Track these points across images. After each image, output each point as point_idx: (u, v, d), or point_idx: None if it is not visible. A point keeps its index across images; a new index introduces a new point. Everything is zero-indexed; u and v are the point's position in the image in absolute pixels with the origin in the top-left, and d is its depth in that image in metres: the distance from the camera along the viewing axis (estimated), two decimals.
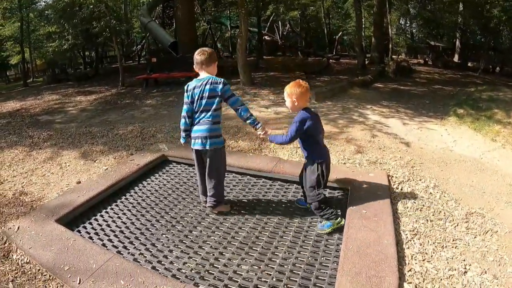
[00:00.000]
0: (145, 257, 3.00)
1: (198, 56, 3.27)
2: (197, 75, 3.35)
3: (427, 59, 24.56)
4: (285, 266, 2.68)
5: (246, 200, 3.80)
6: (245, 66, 11.50)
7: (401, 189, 3.85)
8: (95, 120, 7.79)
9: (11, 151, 5.86)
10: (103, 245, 3.21)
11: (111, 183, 4.19)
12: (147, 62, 13.63)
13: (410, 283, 2.39)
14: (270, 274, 2.61)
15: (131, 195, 4.15)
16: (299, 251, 2.85)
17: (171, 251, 3.05)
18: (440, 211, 3.37)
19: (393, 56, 20.80)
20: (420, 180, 4.09)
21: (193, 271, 2.72)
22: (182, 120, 3.34)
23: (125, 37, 22.83)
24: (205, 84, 3.19)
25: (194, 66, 3.33)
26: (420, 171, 4.37)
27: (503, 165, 4.77)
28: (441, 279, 2.43)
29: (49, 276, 2.88)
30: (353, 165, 4.55)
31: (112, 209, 3.86)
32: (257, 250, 2.91)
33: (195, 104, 3.24)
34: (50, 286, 2.80)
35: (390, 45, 21.28)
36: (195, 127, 3.27)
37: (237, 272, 2.68)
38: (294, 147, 5.20)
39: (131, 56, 25.25)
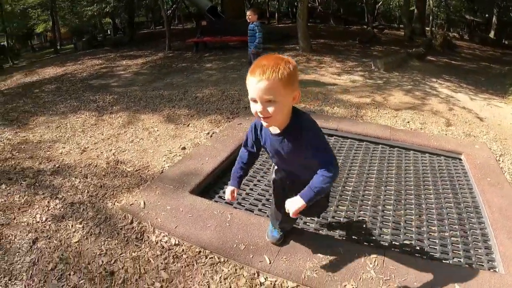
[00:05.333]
0: (321, 225, 2.85)
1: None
2: None
3: (461, 33, 23.94)
4: (442, 227, 2.89)
5: (373, 166, 3.86)
6: (306, 32, 11.13)
7: (503, 161, 4.09)
8: (158, 84, 7.28)
9: (77, 116, 5.37)
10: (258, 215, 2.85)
11: (232, 148, 3.74)
12: (197, 25, 13.25)
13: None
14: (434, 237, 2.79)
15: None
16: (448, 217, 3.03)
17: (353, 213, 3.02)
18: None
19: (432, 29, 19.96)
20: None
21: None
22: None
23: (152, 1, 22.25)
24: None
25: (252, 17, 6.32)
26: (509, 146, 4.60)
27: None
28: None
29: (218, 258, 2.40)
30: (455, 137, 4.73)
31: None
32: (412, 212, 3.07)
33: None
34: (222, 270, 2.33)
35: (431, 17, 20.27)
36: None
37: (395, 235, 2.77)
38: (393, 115, 5.31)
39: (161, 22, 24.63)
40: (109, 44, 15.08)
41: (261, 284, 2.25)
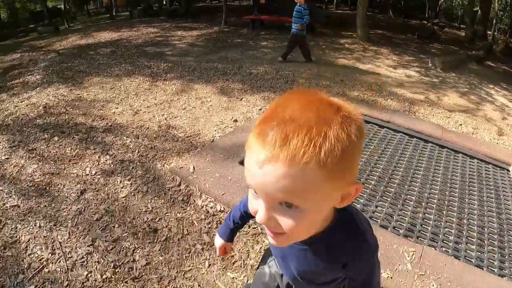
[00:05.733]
0: (363, 211, 2.93)
1: None
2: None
3: None
4: (481, 235, 2.88)
5: (420, 163, 3.88)
6: (365, 21, 11.09)
7: None
8: (212, 56, 7.43)
9: (131, 79, 5.60)
10: None
11: None
12: (254, 3, 13.35)
13: None
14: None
15: None
16: (489, 226, 3.01)
17: (396, 205, 3.04)
18: None
19: (495, 33, 18.88)
20: None
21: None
22: None
23: None
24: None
25: None
26: None
27: None
28: None
29: (261, 229, 2.48)
30: (505, 147, 4.69)
31: None
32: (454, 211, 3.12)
33: None
34: (263, 241, 2.41)
35: (495, 21, 19.15)
36: None
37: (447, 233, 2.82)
38: (446, 116, 5.28)
39: None
40: (165, 14, 15.43)
41: None
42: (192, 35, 10.24)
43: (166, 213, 2.63)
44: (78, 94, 4.96)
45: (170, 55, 7.44)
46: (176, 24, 12.29)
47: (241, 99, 4.76)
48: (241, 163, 3.02)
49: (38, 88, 5.26)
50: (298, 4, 6.82)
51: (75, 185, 2.96)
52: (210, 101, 4.67)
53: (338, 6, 23.26)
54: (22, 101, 4.75)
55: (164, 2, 23.02)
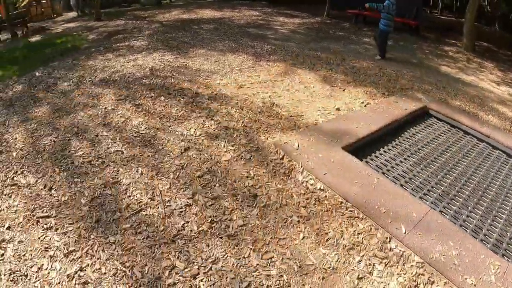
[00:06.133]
0: (455, 217, 2.96)
1: None
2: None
3: None
4: None
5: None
6: (472, 30, 10.50)
7: None
8: (315, 45, 7.56)
9: (235, 56, 5.88)
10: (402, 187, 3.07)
11: (387, 121, 3.90)
12: None
13: None
14: None
15: (405, 140, 3.96)
16: None
17: (486, 219, 3.04)
18: None
19: None
20: None
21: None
22: None
23: None
24: None
25: None
26: None
27: None
28: None
29: (357, 213, 2.60)
30: None
31: (391, 149, 3.67)
32: None
33: None
34: (358, 225, 2.53)
35: None
36: None
37: None
38: None
39: None
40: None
41: (390, 249, 2.40)
42: (293, 22, 10.41)
43: (267, 182, 2.81)
44: (184, 62, 5.31)
45: (273, 39, 7.66)
46: (278, 10, 12.54)
47: (343, 90, 4.85)
48: (344, 148, 3.13)
49: (143, 52, 5.73)
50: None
51: (179, 142, 3.25)
52: (313, 87, 4.81)
53: (442, 12, 22.24)
54: (128, 62, 5.22)
55: None
